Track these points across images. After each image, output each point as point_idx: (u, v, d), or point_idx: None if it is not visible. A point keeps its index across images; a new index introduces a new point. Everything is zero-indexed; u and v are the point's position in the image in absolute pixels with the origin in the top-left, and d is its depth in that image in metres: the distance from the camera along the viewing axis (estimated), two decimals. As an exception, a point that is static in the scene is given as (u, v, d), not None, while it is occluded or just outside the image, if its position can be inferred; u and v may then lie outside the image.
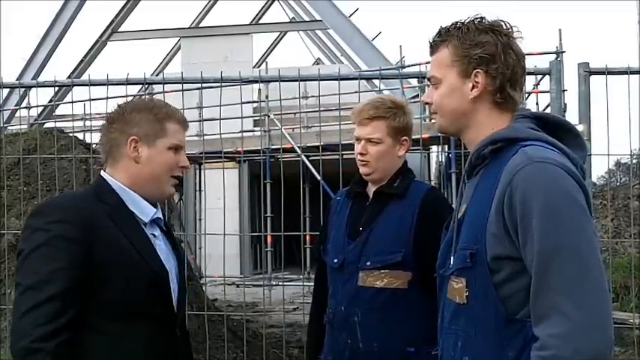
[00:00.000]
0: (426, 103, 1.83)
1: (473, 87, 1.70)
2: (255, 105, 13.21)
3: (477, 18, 1.72)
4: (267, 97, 11.78)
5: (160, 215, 2.10)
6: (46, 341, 1.77)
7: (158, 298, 1.99)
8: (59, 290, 1.81)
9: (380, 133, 2.49)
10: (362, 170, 2.55)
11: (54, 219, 1.89)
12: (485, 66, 1.68)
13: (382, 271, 2.43)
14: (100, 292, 1.88)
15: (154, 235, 2.05)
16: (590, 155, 3.82)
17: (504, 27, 1.71)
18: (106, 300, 1.88)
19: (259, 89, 12.47)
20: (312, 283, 2.84)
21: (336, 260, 2.54)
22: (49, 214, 1.92)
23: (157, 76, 16.51)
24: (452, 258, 1.70)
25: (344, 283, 2.50)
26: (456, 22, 1.74)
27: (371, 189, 2.58)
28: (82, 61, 17.82)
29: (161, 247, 2.05)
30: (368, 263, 2.45)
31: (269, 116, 11.83)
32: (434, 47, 1.77)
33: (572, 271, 1.48)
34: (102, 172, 2.07)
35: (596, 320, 1.47)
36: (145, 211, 2.04)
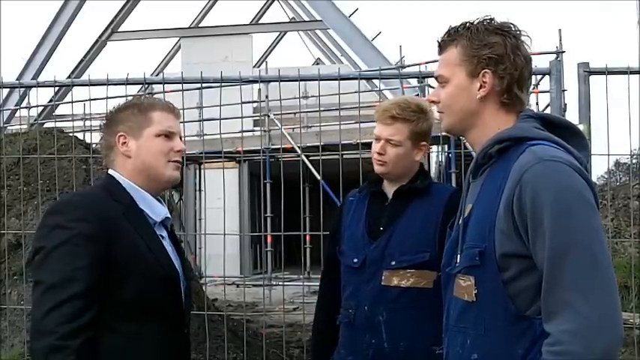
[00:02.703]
0: (432, 102, 1.84)
1: (480, 87, 1.72)
2: (255, 105, 13.19)
3: (486, 19, 1.74)
4: (267, 97, 11.75)
5: (169, 216, 2.11)
6: (70, 339, 1.78)
7: (170, 298, 2.01)
8: (82, 289, 1.82)
9: (401, 136, 2.49)
10: (378, 169, 2.55)
11: (74, 217, 1.89)
12: (493, 66, 1.70)
13: (408, 270, 2.43)
14: (116, 291, 1.89)
15: (162, 237, 2.06)
16: (590, 155, 3.82)
17: (513, 29, 1.73)
18: (121, 299, 1.90)
19: (259, 89, 12.44)
20: (313, 283, 2.83)
21: (356, 260, 2.52)
22: (68, 213, 1.92)
23: (156, 76, 16.48)
24: (458, 256, 1.71)
25: (365, 283, 2.48)
26: (465, 23, 1.75)
27: (388, 188, 2.58)
28: (82, 61, 17.80)
29: (168, 248, 2.07)
30: (393, 263, 2.44)
31: (269, 116, 11.81)
32: (442, 46, 1.79)
33: (583, 268, 1.50)
34: (109, 171, 2.08)
35: (607, 316, 1.49)
36: (156, 211, 2.06)
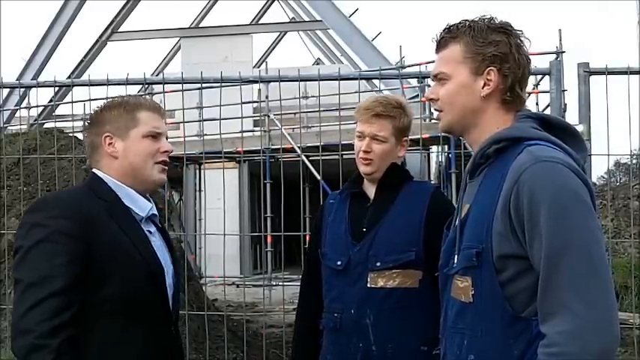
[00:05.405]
0: (431, 100, 1.80)
1: (484, 84, 1.70)
2: (255, 105, 13.19)
3: (487, 17, 1.73)
4: (267, 97, 11.77)
5: (156, 211, 2.09)
6: (50, 337, 1.76)
7: (154, 295, 1.99)
8: (62, 286, 1.80)
9: (386, 132, 2.47)
10: (364, 169, 2.50)
11: (52, 214, 1.88)
12: (498, 64, 1.69)
13: (394, 270, 2.39)
14: (98, 288, 1.87)
15: (150, 232, 2.05)
16: (590, 155, 3.82)
17: (514, 28, 1.73)
18: (103, 296, 1.88)
19: (259, 89, 12.45)
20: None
21: (339, 262, 2.47)
22: (47, 210, 1.91)
23: (157, 76, 16.48)
24: (456, 257, 1.70)
25: (351, 285, 2.44)
26: (466, 21, 1.74)
27: (369, 189, 2.55)
28: (82, 61, 17.81)
29: (156, 243, 2.05)
30: (378, 264, 2.40)
31: (269, 116, 11.82)
32: (442, 44, 1.76)
33: (579, 268, 1.49)
34: (94, 170, 2.07)
35: (603, 317, 1.48)
36: (141, 206, 2.04)
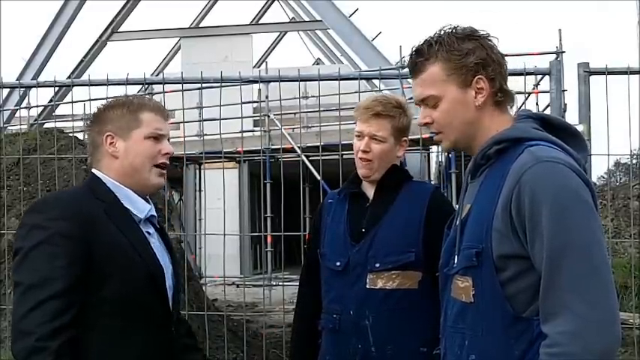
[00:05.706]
0: (426, 124, 1.79)
1: (476, 94, 1.71)
2: (255, 105, 13.19)
3: (448, 29, 1.74)
4: (267, 97, 11.76)
5: (154, 213, 2.09)
6: (50, 340, 1.76)
7: (154, 296, 1.98)
8: (62, 288, 1.80)
9: (385, 132, 2.45)
10: (363, 172, 2.49)
11: (52, 216, 1.87)
12: (483, 71, 1.70)
13: (393, 272, 2.38)
14: (97, 289, 1.87)
15: (149, 233, 2.05)
16: (590, 155, 3.82)
17: (479, 31, 1.74)
18: (103, 297, 1.87)
19: (259, 89, 12.43)
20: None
21: (338, 263, 2.46)
22: (46, 212, 1.90)
23: (157, 76, 16.47)
24: (456, 257, 1.71)
25: (350, 286, 2.43)
26: (432, 38, 1.74)
27: (368, 189, 2.53)
28: (82, 61, 17.81)
29: (155, 244, 2.05)
30: (377, 265, 2.39)
31: (269, 116, 11.82)
32: (418, 68, 1.75)
33: (581, 269, 1.50)
34: (93, 170, 2.06)
35: (605, 318, 1.49)
36: (140, 208, 2.03)
